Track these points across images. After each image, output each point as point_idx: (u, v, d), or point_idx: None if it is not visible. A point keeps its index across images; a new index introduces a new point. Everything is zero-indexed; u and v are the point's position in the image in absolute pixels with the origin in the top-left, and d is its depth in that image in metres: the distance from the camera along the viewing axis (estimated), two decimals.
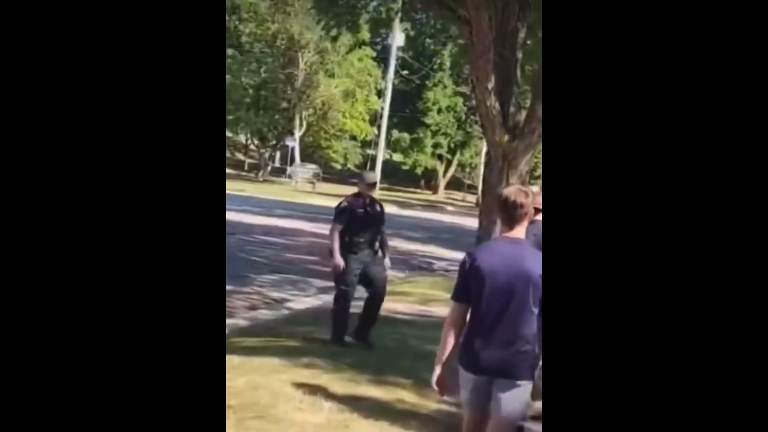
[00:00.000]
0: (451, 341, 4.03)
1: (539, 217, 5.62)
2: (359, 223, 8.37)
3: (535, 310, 3.85)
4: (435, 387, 4.10)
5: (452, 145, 55.51)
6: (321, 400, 6.05)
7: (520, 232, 4.10)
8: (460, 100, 54.40)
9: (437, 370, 4.06)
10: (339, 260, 8.35)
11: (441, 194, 54.06)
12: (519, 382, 3.92)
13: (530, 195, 4.10)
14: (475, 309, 4.02)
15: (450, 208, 46.01)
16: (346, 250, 8.35)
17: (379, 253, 8.63)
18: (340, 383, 6.70)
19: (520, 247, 4.08)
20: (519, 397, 3.94)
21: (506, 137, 12.42)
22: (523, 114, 12.82)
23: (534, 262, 3.87)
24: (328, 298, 11.50)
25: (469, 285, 4.03)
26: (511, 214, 4.05)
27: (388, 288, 11.87)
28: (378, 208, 8.61)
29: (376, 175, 13.75)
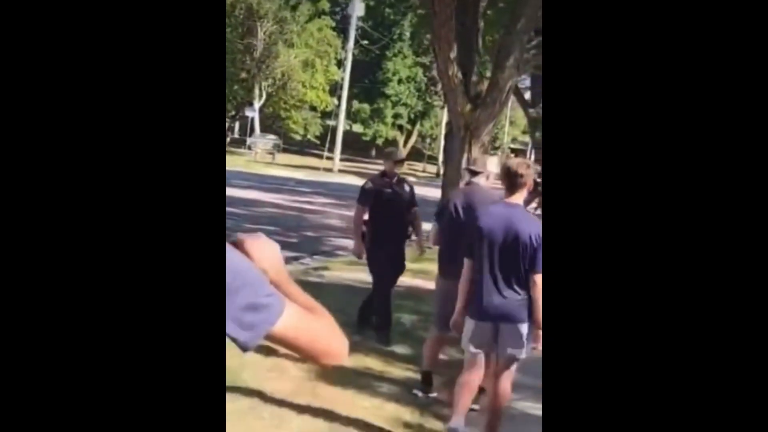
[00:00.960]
0: (465, 293, 4.95)
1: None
2: (386, 205, 7.50)
3: (530, 264, 4.66)
4: (452, 329, 5.19)
5: (412, 115, 55.48)
6: (289, 367, 6.08)
7: (518, 198, 4.88)
8: (420, 71, 54.31)
9: (456, 316, 5.07)
10: (359, 248, 7.72)
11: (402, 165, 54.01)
12: (518, 325, 4.76)
13: (531, 167, 4.93)
14: (478, 265, 4.82)
15: (411, 179, 45.83)
16: (373, 235, 7.56)
17: (412, 237, 7.86)
18: None
19: (517, 210, 4.84)
20: (519, 337, 4.80)
21: (468, 107, 12.52)
22: (485, 84, 12.90)
23: (528, 224, 4.72)
24: (292, 269, 11.55)
25: (473, 244, 4.85)
26: (512, 182, 4.83)
27: (352, 257, 11.84)
28: (407, 188, 7.74)
29: (403, 152, 12.40)
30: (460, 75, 12.48)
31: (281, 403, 5.46)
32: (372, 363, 6.68)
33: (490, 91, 12.58)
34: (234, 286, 1.85)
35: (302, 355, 1.91)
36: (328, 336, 1.91)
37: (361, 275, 10.96)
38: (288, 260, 12.00)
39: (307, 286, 7.72)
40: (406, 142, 56.33)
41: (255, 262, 1.90)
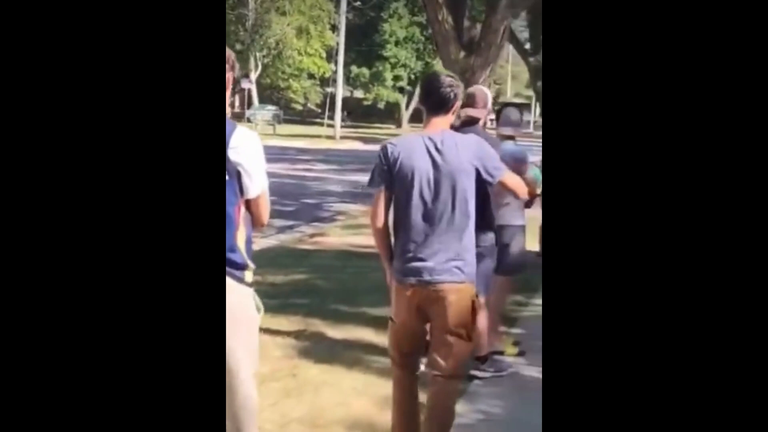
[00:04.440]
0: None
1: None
2: None
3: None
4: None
5: (412, 76, 54.45)
6: (269, 347, 5.41)
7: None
8: (417, 30, 53.29)
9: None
10: None
11: (405, 127, 53.20)
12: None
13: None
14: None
15: None
16: None
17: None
18: (290, 324, 6.12)
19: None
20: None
21: (462, 53, 11.90)
22: (479, 28, 12.24)
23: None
24: (286, 238, 10.97)
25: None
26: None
27: (349, 222, 11.22)
28: None
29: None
30: (450, 20, 11.81)
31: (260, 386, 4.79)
32: (365, 334, 6.00)
33: (484, 35, 11.91)
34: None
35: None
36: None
37: (357, 239, 10.41)
38: (282, 229, 11.53)
39: (298, 254, 6.97)
40: (408, 104, 55.48)
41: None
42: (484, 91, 5.26)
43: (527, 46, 24.80)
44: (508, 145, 5.33)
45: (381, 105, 54.86)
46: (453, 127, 5.13)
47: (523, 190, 3.92)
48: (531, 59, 23.22)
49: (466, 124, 5.00)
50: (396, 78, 53.86)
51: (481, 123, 5.11)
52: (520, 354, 5.58)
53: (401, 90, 55.15)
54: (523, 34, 25.42)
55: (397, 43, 53.03)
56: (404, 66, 53.70)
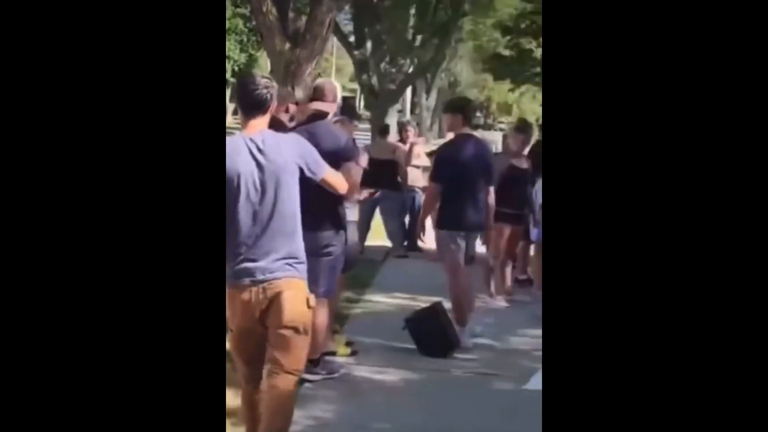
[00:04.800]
0: None
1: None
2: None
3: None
4: None
5: (236, 68, 53.45)
6: None
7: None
8: (240, 22, 52.35)
9: None
10: None
11: (229, 119, 52.13)
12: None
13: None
14: None
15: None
16: None
17: None
18: None
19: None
20: None
21: (287, 45, 11.73)
22: (304, 20, 12.10)
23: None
24: None
25: None
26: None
27: None
28: None
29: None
30: (275, 12, 11.61)
31: None
32: None
33: (309, 27, 11.79)
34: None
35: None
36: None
37: None
38: None
39: None
40: (232, 97, 54.48)
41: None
42: (333, 84, 5.10)
43: (351, 39, 24.83)
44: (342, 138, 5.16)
45: None
46: (300, 123, 4.93)
47: (343, 187, 3.81)
48: (356, 52, 23.22)
49: (315, 118, 4.81)
50: None
51: (330, 117, 4.94)
52: (353, 354, 5.45)
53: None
54: (348, 27, 25.43)
55: None
56: (228, 58, 52.70)
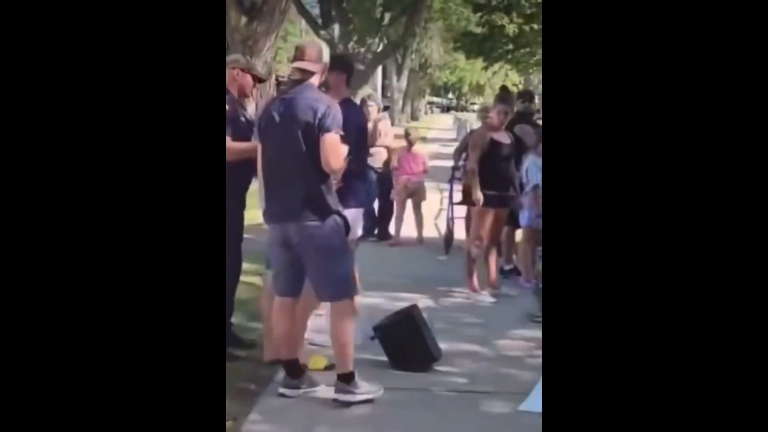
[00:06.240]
0: None
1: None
2: None
3: None
4: None
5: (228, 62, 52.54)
6: None
7: None
8: None
9: None
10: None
11: None
12: None
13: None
14: None
15: None
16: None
17: None
18: None
19: None
20: None
21: (243, 19, 11.12)
22: None
23: None
24: None
25: None
26: None
27: None
28: None
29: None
30: None
31: None
32: None
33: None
34: None
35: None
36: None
37: None
38: None
39: None
40: None
41: None
42: (316, 43, 4.32)
43: (319, 21, 24.12)
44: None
45: None
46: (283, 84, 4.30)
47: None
48: (322, 32, 22.44)
49: (299, 82, 4.06)
50: None
51: (315, 80, 4.10)
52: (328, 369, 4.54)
53: None
54: (315, 10, 24.66)
55: None
56: None
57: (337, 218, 3.98)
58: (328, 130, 3.88)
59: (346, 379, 3.99)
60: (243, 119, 4.68)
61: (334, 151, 3.92)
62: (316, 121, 3.87)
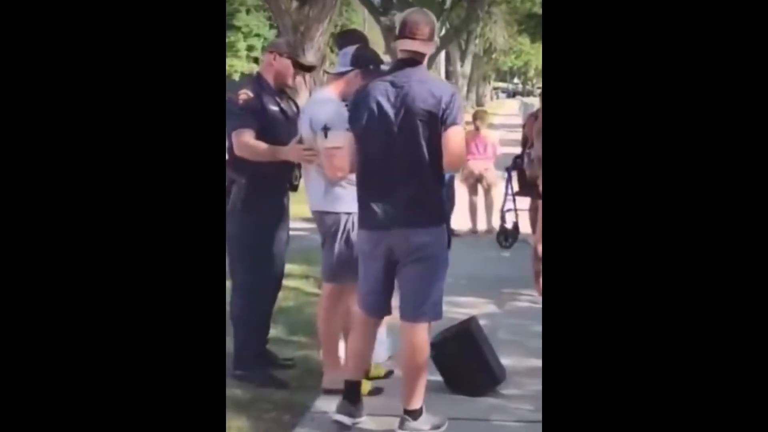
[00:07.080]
0: None
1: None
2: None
3: None
4: None
5: (266, 45, 52.85)
6: None
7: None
8: None
9: None
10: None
11: None
12: None
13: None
14: None
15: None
16: None
17: None
18: None
19: None
20: None
21: (294, 3, 10.68)
22: None
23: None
24: None
25: None
26: None
27: None
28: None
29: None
30: None
31: None
32: None
33: None
34: None
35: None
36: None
37: None
38: None
39: None
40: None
41: None
42: (428, 17, 3.49)
43: (380, 8, 23.70)
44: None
45: (236, 77, 52.86)
46: (381, 69, 3.68)
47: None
48: (383, 18, 21.99)
49: (407, 64, 3.39)
50: (250, 48, 52.11)
51: (425, 62, 3.46)
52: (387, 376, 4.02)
53: (255, 60, 53.42)
54: None
55: (248, 12, 51.26)
56: (257, 35, 52.01)
57: (446, 227, 3.39)
58: (454, 122, 3.29)
59: (413, 415, 3.41)
60: (277, 110, 4.05)
61: (461, 147, 3.35)
62: (440, 112, 3.27)
